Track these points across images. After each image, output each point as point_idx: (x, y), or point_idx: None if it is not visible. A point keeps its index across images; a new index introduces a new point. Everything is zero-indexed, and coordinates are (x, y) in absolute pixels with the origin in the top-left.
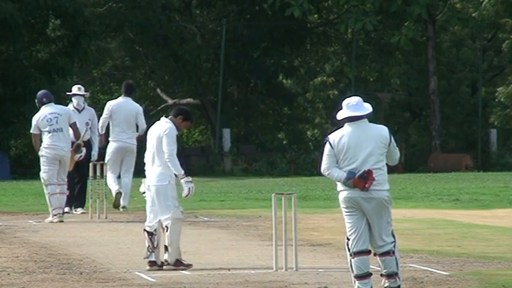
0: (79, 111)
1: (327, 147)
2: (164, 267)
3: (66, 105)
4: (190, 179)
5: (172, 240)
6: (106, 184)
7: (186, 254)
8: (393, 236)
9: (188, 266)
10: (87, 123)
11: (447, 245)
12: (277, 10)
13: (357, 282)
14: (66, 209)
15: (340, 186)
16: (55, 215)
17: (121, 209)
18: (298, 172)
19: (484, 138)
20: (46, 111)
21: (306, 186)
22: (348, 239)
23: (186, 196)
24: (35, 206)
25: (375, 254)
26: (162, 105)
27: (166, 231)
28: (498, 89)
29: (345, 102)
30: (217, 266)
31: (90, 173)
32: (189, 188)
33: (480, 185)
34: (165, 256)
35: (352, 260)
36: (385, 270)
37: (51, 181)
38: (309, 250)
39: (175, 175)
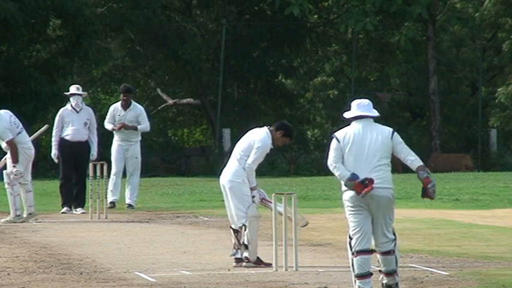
0: (77, 111)
1: (334, 141)
2: (244, 264)
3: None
4: (255, 209)
5: (252, 238)
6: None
7: (186, 253)
8: (394, 234)
9: (268, 265)
10: (85, 123)
11: (447, 245)
12: (277, 10)
13: (357, 281)
14: (66, 209)
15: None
16: (18, 216)
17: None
18: (298, 172)
19: (484, 138)
20: (6, 115)
21: (306, 186)
22: (351, 238)
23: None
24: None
25: (374, 251)
26: (162, 105)
27: (245, 230)
28: (498, 90)
29: (354, 103)
30: (217, 266)
31: (90, 173)
32: (260, 195)
33: (480, 185)
34: (245, 254)
35: (354, 258)
36: (384, 268)
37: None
38: (309, 250)
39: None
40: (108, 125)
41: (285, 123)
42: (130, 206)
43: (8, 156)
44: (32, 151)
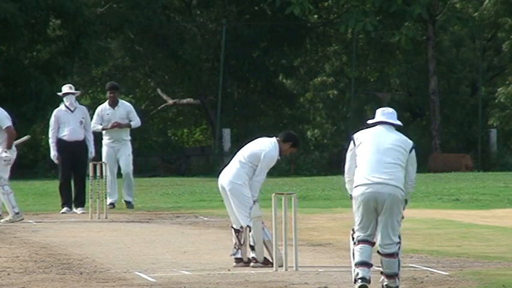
0: (71, 111)
1: (350, 145)
2: (252, 265)
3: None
4: (258, 210)
5: (258, 239)
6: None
7: (186, 253)
8: (399, 238)
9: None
10: (81, 122)
11: (447, 245)
12: (277, 10)
13: (356, 269)
14: (66, 209)
15: (357, 181)
16: (17, 213)
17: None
18: (298, 172)
19: (484, 138)
20: (2, 109)
21: (306, 186)
22: (354, 231)
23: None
24: (35, 206)
25: (378, 252)
26: (162, 105)
27: (250, 231)
28: (498, 90)
29: (379, 110)
30: (217, 266)
31: (90, 173)
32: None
33: (480, 185)
34: (252, 254)
35: (356, 247)
36: (386, 270)
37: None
38: (309, 250)
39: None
40: (97, 126)
41: (292, 133)
42: (128, 202)
43: None
44: (15, 153)
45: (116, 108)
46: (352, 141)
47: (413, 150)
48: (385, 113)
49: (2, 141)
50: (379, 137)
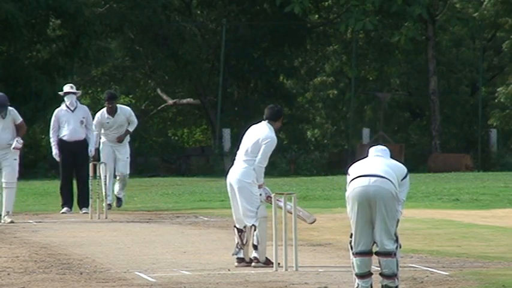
0: (72, 110)
1: (347, 178)
2: (253, 264)
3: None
4: (265, 190)
5: (262, 239)
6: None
7: (186, 253)
8: (396, 237)
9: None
10: (81, 122)
11: (447, 245)
12: (278, 10)
13: (357, 280)
14: (66, 209)
15: (351, 176)
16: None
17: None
18: (298, 172)
19: (484, 138)
20: None
21: (306, 186)
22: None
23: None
24: (35, 206)
25: (376, 253)
26: (162, 105)
27: (255, 230)
28: (498, 89)
29: (372, 148)
30: (217, 266)
31: (90, 173)
32: (265, 193)
33: (480, 185)
34: (254, 254)
35: (354, 259)
36: (385, 270)
37: None
38: (309, 250)
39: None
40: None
41: (275, 109)
42: (119, 199)
43: None
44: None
45: (115, 116)
46: (348, 175)
47: (407, 177)
48: (378, 150)
49: (10, 138)
50: (370, 159)
